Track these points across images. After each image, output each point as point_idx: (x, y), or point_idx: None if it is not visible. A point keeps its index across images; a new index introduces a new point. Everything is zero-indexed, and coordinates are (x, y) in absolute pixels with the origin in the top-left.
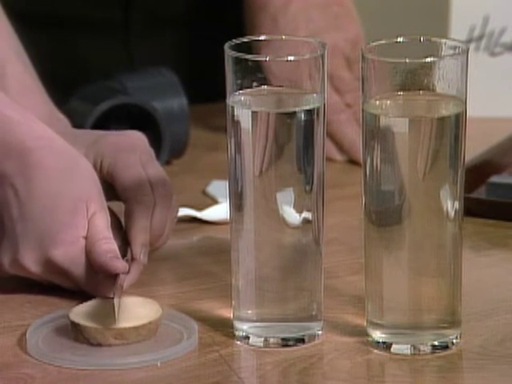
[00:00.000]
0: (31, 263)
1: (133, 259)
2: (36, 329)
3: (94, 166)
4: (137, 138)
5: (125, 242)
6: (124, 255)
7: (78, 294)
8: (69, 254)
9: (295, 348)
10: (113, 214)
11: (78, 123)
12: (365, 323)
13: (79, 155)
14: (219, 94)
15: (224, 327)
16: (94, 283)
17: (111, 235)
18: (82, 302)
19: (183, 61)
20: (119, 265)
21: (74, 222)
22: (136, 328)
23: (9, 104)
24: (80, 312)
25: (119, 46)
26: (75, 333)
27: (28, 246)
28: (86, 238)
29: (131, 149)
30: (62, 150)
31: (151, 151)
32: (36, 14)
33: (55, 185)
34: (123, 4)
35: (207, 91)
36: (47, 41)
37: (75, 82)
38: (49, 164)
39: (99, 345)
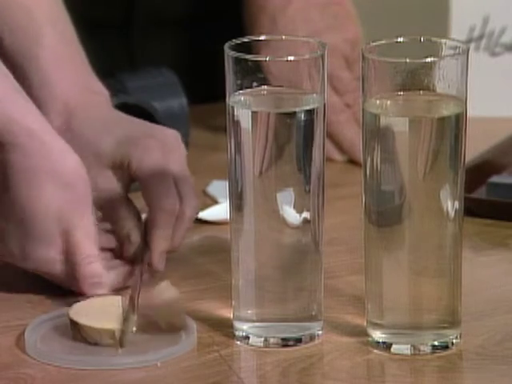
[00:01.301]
0: (14, 259)
1: (149, 265)
2: (34, 328)
3: (122, 165)
4: (170, 141)
5: (144, 243)
6: (142, 256)
7: (78, 294)
8: (43, 269)
9: (295, 348)
10: (133, 207)
11: None
12: (365, 323)
13: (64, 154)
14: (219, 94)
15: (224, 327)
16: (74, 285)
17: (95, 250)
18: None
19: (183, 61)
20: (100, 292)
21: (48, 241)
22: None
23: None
24: (79, 310)
25: (120, 46)
26: (73, 331)
27: (10, 244)
28: (66, 253)
29: (161, 153)
30: (42, 151)
31: (183, 151)
32: None
33: (30, 193)
34: (125, 4)
35: (207, 91)
36: None
37: None
38: (22, 167)
39: (96, 344)
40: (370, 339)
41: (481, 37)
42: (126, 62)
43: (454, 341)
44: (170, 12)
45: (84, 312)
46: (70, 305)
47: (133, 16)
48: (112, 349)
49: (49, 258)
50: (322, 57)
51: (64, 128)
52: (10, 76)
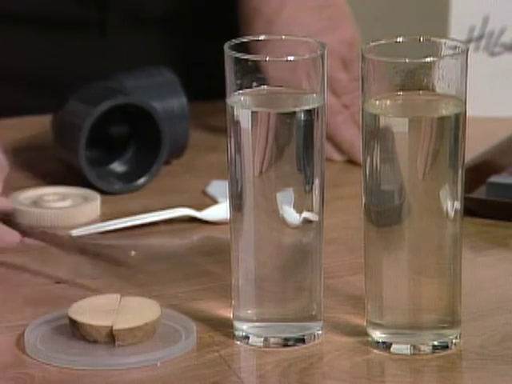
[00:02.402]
0: None
1: None
2: (34, 329)
3: None
4: None
5: None
6: None
7: (79, 294)
8: None
9: (295, 348)
10: None
11: (77, 123)
12: (364, 323)
13: None
14: (218, 93)
15: (224, 327)
16: None
17: None
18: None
19: (179, 59)
20: None
21: None
22: (131, 329)
23: None
24: (79, 309)
25: (98, 46)
26: (73, 330)
27: None
28: None
29: None
30: None
31: None
32: (16, 14)
33: None
34: (100, 3)
35: (205, 90)
36: (31, 40)
37: (71, 83)
38: None
39: (95, 341)
40: (369, 339)
41: (480, 37)
42: (103, 64)
43: (454, 341)
44: (149, 11)
45: (82, 311)
46: (70, 305)
47: (107, 15)
48: (111, 348)
49: None
50: (322, 57)
51: None
52: None
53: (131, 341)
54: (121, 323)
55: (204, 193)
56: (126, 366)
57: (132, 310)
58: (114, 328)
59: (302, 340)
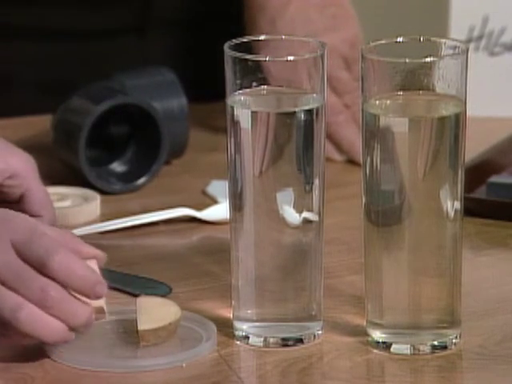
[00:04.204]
0: None
1: None
2: None
3: None
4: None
5: None
6: None
7: None
8: None
9: (295, 348)
10: None
11: (77, 122)
12: (365, 323)
13: None
14: (218, 93)
15: (224, 327)
16: None
17: None
18: None
19: (183, 61)
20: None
21: None
22: (156, 330)
23: None
24: None
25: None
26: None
27: None
28: None
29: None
30: None
31: None
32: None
33: None
34: (140, 7)
35: (207, 91)
36: (31, 41)
37: (71, 83)
38: None
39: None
40: (369, 339)
41: (480, 37)
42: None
43: (454, 341)
44: (172, 12)
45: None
46: None
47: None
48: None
49: None
50: (322, 57)
51: None
52: None
53: (155, 341)
54: (146, 324)
55: (204, 193)
56: (149, 368)
57: (152, 311)
58: (139, 329)
59: (301, 340)
